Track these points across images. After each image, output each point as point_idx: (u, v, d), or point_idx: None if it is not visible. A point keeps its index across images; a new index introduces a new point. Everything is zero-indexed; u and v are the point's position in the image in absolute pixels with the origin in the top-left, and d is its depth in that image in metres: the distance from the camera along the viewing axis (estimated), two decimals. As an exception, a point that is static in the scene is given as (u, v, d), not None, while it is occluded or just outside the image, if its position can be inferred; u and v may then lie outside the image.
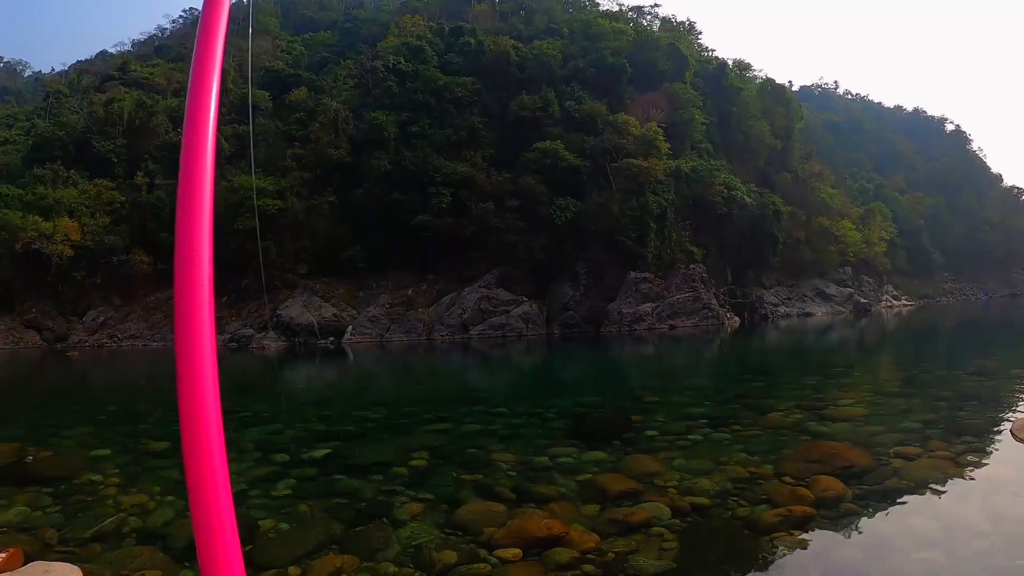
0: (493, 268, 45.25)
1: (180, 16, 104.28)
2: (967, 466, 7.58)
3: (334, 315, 43.75)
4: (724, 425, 10.83)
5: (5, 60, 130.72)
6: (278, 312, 44.05)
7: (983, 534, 5.70)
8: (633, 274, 47.20)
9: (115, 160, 55.43)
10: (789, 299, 63.24)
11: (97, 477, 8.89)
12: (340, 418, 14.28)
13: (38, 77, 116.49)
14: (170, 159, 52.28)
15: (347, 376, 32.62)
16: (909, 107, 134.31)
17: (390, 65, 49.65)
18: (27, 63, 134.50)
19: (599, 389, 19.03)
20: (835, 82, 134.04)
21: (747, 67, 73.77)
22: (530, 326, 44.20)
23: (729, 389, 16.67)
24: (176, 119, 54.14)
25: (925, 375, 16.63)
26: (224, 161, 48.83)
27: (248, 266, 45.81)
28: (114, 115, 55.69)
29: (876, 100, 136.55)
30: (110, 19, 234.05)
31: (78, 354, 43.94)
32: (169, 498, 7.84)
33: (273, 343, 42.63)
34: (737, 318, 52.36)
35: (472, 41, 49.68)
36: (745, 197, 55.25)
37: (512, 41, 53.48)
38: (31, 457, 10.20)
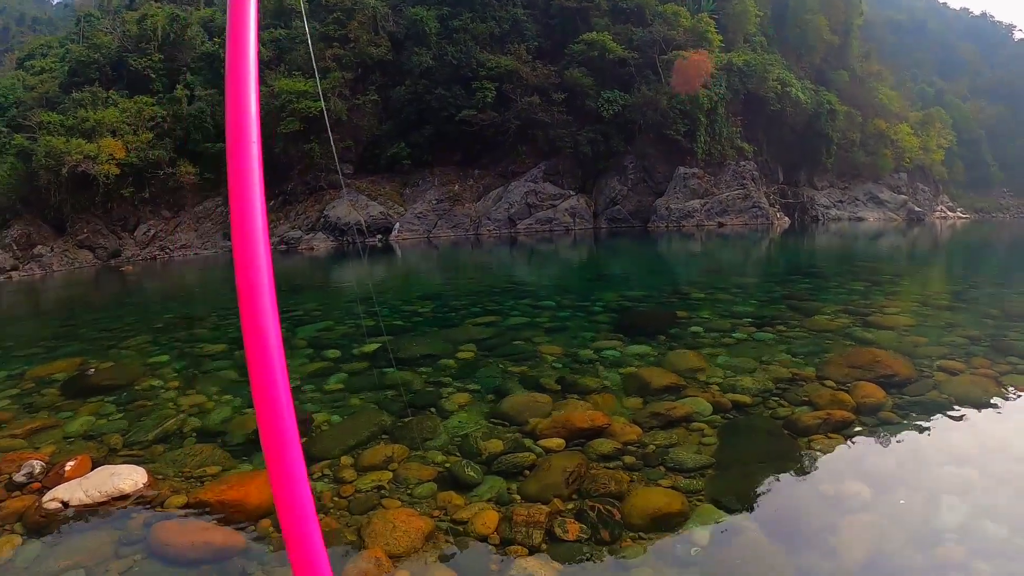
0: (539, 162, 44.30)
1: None
2: (1010, 386, 7.16)
3: (381, 213, 43.62)
4: (769, 325, 10.57)
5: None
6: (325, 212, 44.13)
7: (1020, 456, 5.55)
8: (682, 169, 45.92)
9: (153, 76, 55.28)
10: (841, 202, 61.07)
11: (157, 382, 9.03)
12: (389, 313, 14.15)
13: (67, 3, 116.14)
14: (208, 69, 51.93)
15: (395, 272, 32.68)
16: (976, 11, 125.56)
17: (432, -45, 47.66)
18: None
19: (645, 284, 18.66)
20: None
21: (805, -45, 68.92)
22: (577, 220, 43.51)
23: (776, 289, 16.07)
24: (211, 29, 53.47)
25: (975, 291, 15.69)
26: (263, 66, 48.27)
27: (293, 168, 45.83)
28: (148, 31, 55.26)
29: (941, 0, 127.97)
30: None
31: (132, 268, 45.07)
32: (226, 397, 7.99)
33: (322, 243, 42.86)
34: (787, 218, 50.97)
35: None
36: (799, 94, 52.74)
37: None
38: (93, 370, 10.21)
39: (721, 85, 48.55)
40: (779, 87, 51.95)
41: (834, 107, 57.75)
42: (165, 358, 10.75)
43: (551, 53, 45.57)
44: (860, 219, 58.96)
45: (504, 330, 11.00)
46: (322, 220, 43.73)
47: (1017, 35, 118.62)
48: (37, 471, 5.83)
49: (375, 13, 44.55)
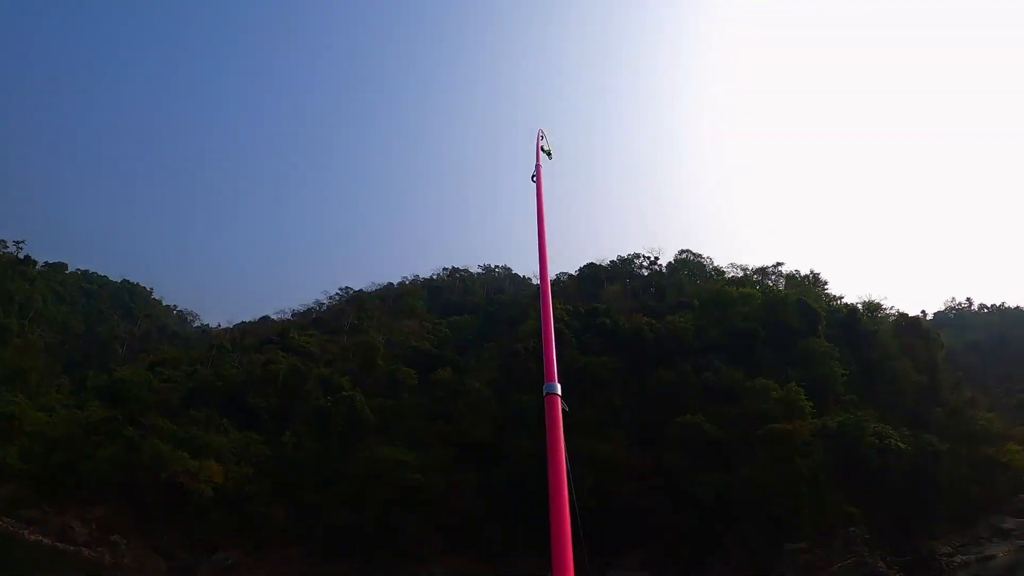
0: (635, 550, 42.62)
1: (336, 293, 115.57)
2: None
3: (470, 600, 41.76)
4: None
5: (179, 309, 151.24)
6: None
7: None
8: (788, 545, 43.30)
9: (266, 416, 59.39)
10: (964, 544, 54.99)
11: None
12: None
13: (205, 329, 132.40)
14: (317, 422, 55.33)
15: None
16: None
17: (530, 347, 51.99)
18: (196, 314, 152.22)
19: None
20: (968, 299, 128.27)
21: (877, 307, 71.98)
22: (677, 612, 40.26)
23: None
24: (327, 386, 57.93)
25: None
26: (368, 431, 51.16)
27: (382, 536, 45.60)
28: (270, 375, 60.73)
29: (1013, 305, 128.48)
30: (274, 288, 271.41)
31: None
32: None
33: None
34: (910, 579, 46.09)
35: (607, 321, 51.93)
36: (899, 444, 51.23)
37: (646, 318, 55.37)
38: None
39: (819, 451, 47.71)
40: (877, 441, 50.75)
41: (937, 448, 55.21)
42: None
43: (647, 437, 46.63)
44: (989, 557, 52.79)
45: None
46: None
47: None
48: None
49: (479, 396, 47.60)
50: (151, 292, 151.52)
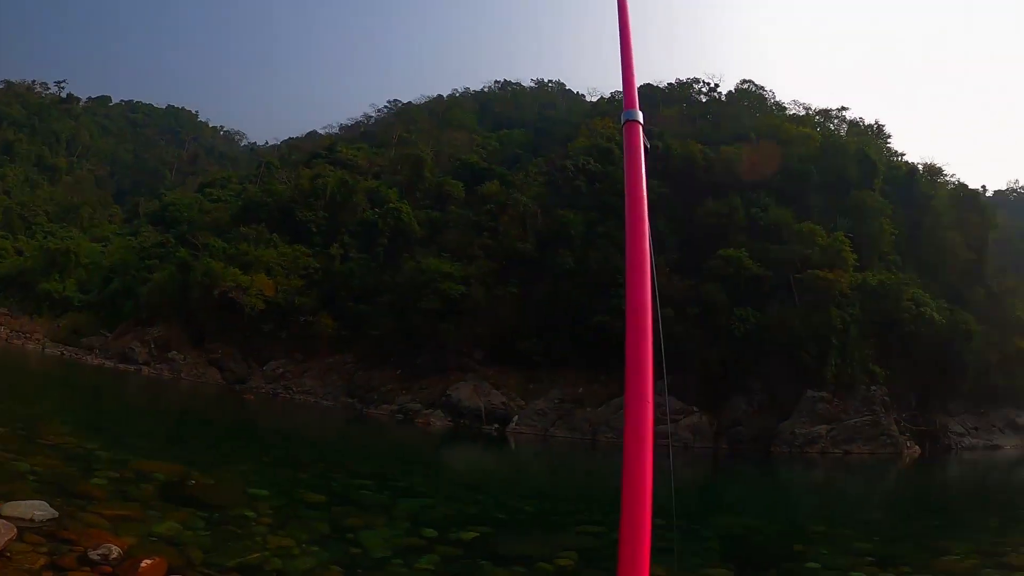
0: (665, 376, 44.43)
1: (384, 106, 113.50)
2: None
3: (502, 403, 44.69)
4: (892, 565, 10.16)
5: (225, 129, 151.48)
6: (448, 392, 45.69)
7: None
8: (810, 392, 44.72)
9: (314, 230, 61.06)
10: (976, 429, 56.68)
11: (251, 513, 9.20)
12: (493, 504, 14.33)
13: (253, 147, 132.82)
14: (364, 234, 56.88)
15: (506, 464, 32.86)
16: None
17: (579, 165, 51.47)
18: (244, 133, 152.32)
19: (762, 512, 18.35)
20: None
21: (938, 171, 69.01)
22: (697, 438, 42.69)
23: (901, 525, 15.70)
24: (374, 199, 58.87)
25: None
26: (415, 243, 52.52)
27: (425, 345, 48.30)
28: (318, 189, 61.64)
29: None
30: (322, 103, 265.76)
31: (253, 398, 47.83)
32: (314, 548, 7.96)
33: (439, 421, 44.06)
34: (917, 447, 47.91)
35: (660, 144, 50.70)
36: (934, 314, 51.11)
37: (700, 146, 53.96)
38: (193, 481, 10.74)
39: (855, 306, 48.00)
40: (914, 307, 50.67)
41: (970, 327, 55.11)
42: (265, 492, 11.00)
43: (689, 266, 47.03)
44: (997, 447, 54.71)
45: (609, 543, 10.71)
46: (443, 399, 45.28)
47: None
48: (113, 555, 5.87)
49: (525, 210, 48.13)
50: (196, 115, 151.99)
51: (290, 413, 44.03)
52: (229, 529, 8.30)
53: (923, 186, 63.50)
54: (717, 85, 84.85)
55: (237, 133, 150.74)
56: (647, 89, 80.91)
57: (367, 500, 12.73)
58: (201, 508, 9.00)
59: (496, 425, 43.49)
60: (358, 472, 17.61)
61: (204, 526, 8.28)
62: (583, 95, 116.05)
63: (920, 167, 67.02)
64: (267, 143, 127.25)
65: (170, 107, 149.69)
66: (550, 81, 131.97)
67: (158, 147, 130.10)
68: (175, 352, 56.95)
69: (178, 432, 19.43)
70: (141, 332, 59.08)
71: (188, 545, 7.19)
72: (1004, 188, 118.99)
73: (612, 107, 77.44)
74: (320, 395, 50.69)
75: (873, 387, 46.71)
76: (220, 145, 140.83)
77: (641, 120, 2.33)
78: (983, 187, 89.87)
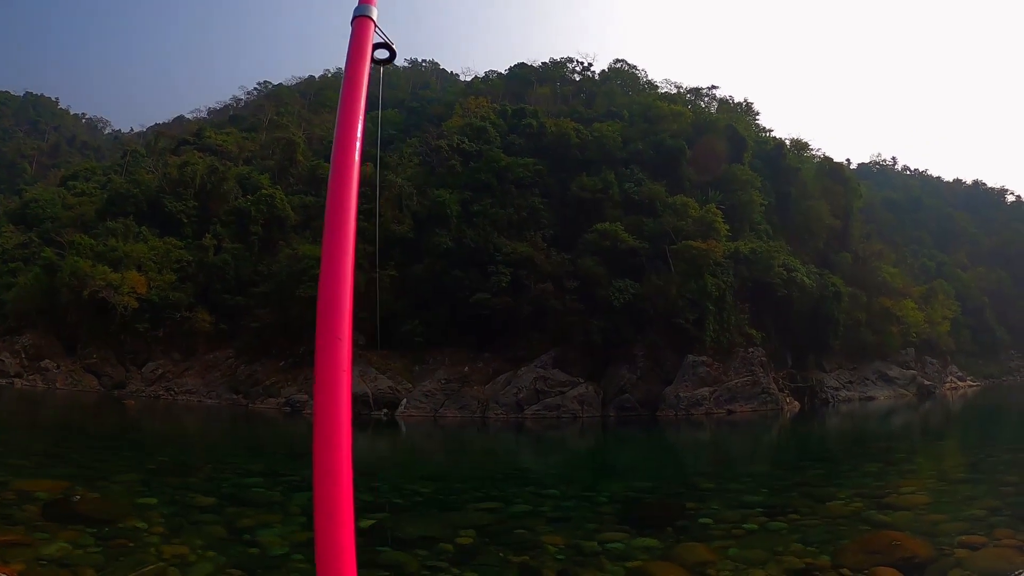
0: (549, 348, 44.99)
1: (254, 88, 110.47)
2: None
3: (389, 387, 43.79)
4: (781, 514, 10.58)
5: (88, 117, 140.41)
6: (333, 381, 44.24)
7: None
8: (691, 357, 46.41)
9: (185, 220, 57.53)
10: (850, 383, 61.14)
11: (141, 524, 8.93)
12: (388, 489, 14.30)
13: (117, 136, 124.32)
14: (237, 223, 54.08)
15: (399, 448, 32.45)
16: (968, 180, 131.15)
17: (454, 144, 51.02)
18: (108, 120, 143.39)
19: (653, 474, 18.82)
20: (893, 158, 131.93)
21: (805, 146, 73.59)
22: (585, 408, 43.49)
23: (787, 476, 16.57)
24: (246, 185, 56.12)
25: (991, 459, 16.01)
26: (289, 230, 50.34)
27: (306, 334, 46.48)
28: (187, 177, 57.99)
29: (935, 175, 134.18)
30: (188, 86, 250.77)
31: (134, 403, 44.95)
32: (211, 553, 7.82)
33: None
34: (797, 403, 50.99)
35: (534, 123, 50.94)
36: (805, 279, 54.33)
37: (573, 124, 54.62)
38: (78, 497, 10.42)
39: (729, 273, 50.10)
40: (785, 273, 53.54)
41: (839, 289, 59.12)
42: (154, 500, 10.68)
43: (566, 241, 47.61)
44: (870, 398, 59.05)
45: (506, 517, 10.92)
46: (329, 387, 43.78)
47: (1009, 198, 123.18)
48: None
49: (401, 191, 47.12)
50: (57, 102, 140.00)
51: (173, 415, 41.68)
52: (121, 543, 7.99)
53: (791, 160, 67.19)
54: (591, 64, 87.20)
55: (100, 120, 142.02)
56: (521, 69, 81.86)
57: (260, 498, 12.78)
58: (90, 524, 8.58)
59: (385, 410, 42.70)
60: (248, 470, 17.59)
61: (95, 543, 7.90)
62: (457, 74, 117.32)
63: (788, 142, 71.04)
64: (132, 130, 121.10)
65: (28, 94, 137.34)
66: (424, 60, 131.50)
67: (16, 138, 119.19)
68: (48, 361, 52.89)
69: (57, 446, 17.92)
70: (10, 342, 54.31)
71: (80, 565, 6.89)
72: (868, 161, 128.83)
73: (487, 86, 77.43)
74: (203, 394, 48.68)
75: (751, 349, 49.12)
76: (83, 134, 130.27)
77: (375, 17, 1.93)
78: (848, 160, 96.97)
